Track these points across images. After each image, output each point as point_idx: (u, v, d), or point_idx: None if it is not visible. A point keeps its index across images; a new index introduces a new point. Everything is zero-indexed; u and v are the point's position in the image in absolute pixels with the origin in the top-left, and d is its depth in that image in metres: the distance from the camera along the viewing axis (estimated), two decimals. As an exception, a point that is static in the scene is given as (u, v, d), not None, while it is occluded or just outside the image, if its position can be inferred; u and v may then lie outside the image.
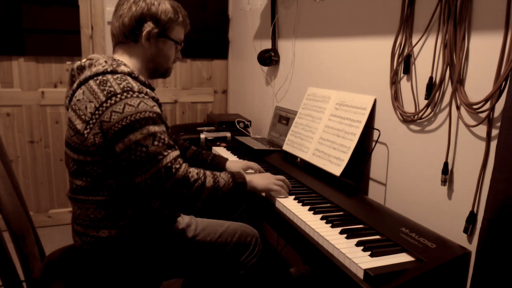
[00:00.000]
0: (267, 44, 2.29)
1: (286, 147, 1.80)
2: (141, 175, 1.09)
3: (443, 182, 1.19)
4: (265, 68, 2.38)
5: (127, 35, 1.22)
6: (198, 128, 2.40)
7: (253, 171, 1.53)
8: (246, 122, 2.44)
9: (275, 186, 1.33)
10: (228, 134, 2.28)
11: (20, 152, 2.66)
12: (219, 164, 1.57)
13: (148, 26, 1.21)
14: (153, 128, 1.09)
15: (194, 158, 1.58)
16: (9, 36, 2.47)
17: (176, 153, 1.13)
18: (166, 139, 1.12)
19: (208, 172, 1.20)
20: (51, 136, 2.71)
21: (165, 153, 1.10)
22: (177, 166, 1.12)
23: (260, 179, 1.33)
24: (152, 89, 1.23)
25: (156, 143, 1.09)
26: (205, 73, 2.98)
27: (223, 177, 1.22)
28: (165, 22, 1.23)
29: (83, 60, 1.21)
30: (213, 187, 1.18)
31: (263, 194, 1.37)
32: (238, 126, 2.41)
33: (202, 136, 2.24)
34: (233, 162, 1.57)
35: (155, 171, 1.08)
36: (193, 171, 1.16)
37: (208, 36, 2.90)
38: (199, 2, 2.84)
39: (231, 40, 2.96)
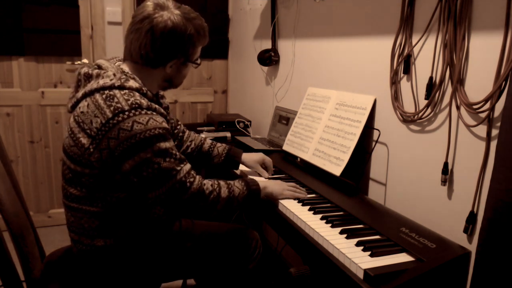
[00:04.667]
0: (267, 44, 2.29)
1: (286, 147, 1.80)
2: (155, 190, 1.07)
3: (443, 182, 1.19)
4: (265, 68, 2.38)
5: (149, 64, 1.16)
6: (198, 128, 2.40)
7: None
8: (246, 122, 2.44)
9: (288, 192, 1.34)
10: (228, 134, 2.28)
11: (20, 152, 2.66)
12: (234, 157, 1.56)
13: (175, 60, 1.18)
14: (164, 145, 1.06)
15: (210, 152, 1.57)
16: (9, 36, 2.47)
17: (188, 166, 1.12)
18: (178, 154, 1.10)
19: (222, 182, 1.19)
20: (51, 136, 2.71)
21: (178, 168, 1.08)
22: (191, 179, 1.11)
23: (275, 185, 1.33)
24: (160, 104, 1.21)
25: (168, 159, 1.07)
26: (205, 73, 2.98)
27: (237, 185, 1.21)
28: (191, 51, 1.20)
29: (91, 66, 1.16)
30: (228, 197, 1.17)
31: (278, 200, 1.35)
32: (238, 126, 2.41)
33: (202, 136, 2.24)
34: (249, 155, 1.57)
35: (169, 187, 1.07)
36: (207, 183, 1.15)
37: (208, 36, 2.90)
38: (199, 2, 2.84)
39: (231, 40, 2.96)
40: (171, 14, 1.13)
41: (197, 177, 1.13)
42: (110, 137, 1.03)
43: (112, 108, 1.04)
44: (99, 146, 1.05)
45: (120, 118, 1.03)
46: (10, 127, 2.61)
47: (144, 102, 1.08)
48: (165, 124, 1.09)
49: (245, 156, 1.56)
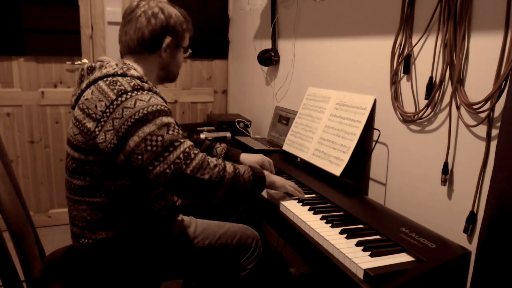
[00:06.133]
0: (267, 44, 2.29)
1: (286, 147, 1.80)
2: (159, 164, 1.06)
3: (443, 182, 1.19)
4: (265, 68, 2.38)
5: (146, 47, 1.23)
6: (198, 128, 2.41)
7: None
8: (246, 122, 2.44)
9: (290, 187, 1.34)
10: (228, 134, 2.28)
11: (20, 152, 2.66)
12: (232, 157, 1.55)
13: (168, 39, 1.24)
14: (166, 119, 1.10)
15: (208, 152, 1.57)
16: (9, 36, 2.47)
17: (191, 142, 1.13)
18: (180, 130, 1.13)
19: (226, 161, 1.19)
20: (51, 136, 2.71)
21: (182, 140, 1.10)
22: (195, 151, 1.11)
23: (277, 177, 1.33)
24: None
25: (171, 132, 1.09)
26: (205, 73, 2.99)
27: (242, 166, 1.21)
28: (181, 33, 1.28)
29: (94, 62, 1.21)
30: (234, 173, 1.15)
31: (274, 192, 1.35)
32: (238, 126, 2.41)
33: (202, 136, 2.24)
34: (248, 155, 1.56)
35: (174, 158, 1.06)
36: (212, 158, 1.15)
37: (208, 36, 2.90)
38: (199, 2, 2.84)
39: (231, 40, 2.96)
40: (158, 2, 1.25)
41: (201, 153, 1.13)
42: (115, 117, 1.07)
43: (115, 91, 1.09)
44: (104, 127, 1.08)
45: (123, 99, 1.08)
46: (10, 127, 2.61)
47: (146, 85, 1.14)
48: (166, 104, 1.14)
49: (244, 157, 1.55)
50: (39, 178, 2.74)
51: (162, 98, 1.18)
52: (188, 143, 1.11)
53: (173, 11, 1.25)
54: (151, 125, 1.07)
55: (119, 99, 1.08)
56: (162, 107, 1.11)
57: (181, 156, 1.08)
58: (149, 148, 1.06)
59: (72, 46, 2.61)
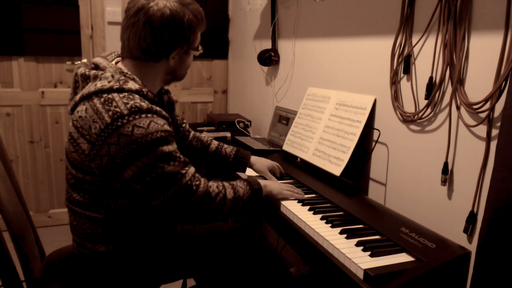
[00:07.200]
0: (267, 44, 2.29)
1: (286, 147, 1.80)
2: (160, 196, 1.03)
3: (443, 182, 1.19)
4: (265, 68, 2.38)
5: (152, 56, 1.11)
6: (198, 128, 2.41)
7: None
8: (246, 122, 2.44)
9: (287, 191, 1.33)
10: (228, 134, 2.28)
11: (20, 152, 2.66)
12: (244, 159, 1.52)
13: (178, 50, 1.14)
14: (167, 148, 1.02)
15: (217, 154, 1.53)
16: (9, 36, 2.47)
17: (193, 169, 1.09)
18: (182, 157, 1.07)
19: (226, 183, 1.18)
20: (51, 136, 2.71)
21: (183, 172, 1.05)
22: (197, 182, 1.08)
23: (274, 185, 1.32)
24: (162, 104, 1.17)
25: (172, 162, 1.03)
26: (205, 73, 2.98)
27: (240, 186, 1.20)
28: (193, 37, 1.15)
29: (88, 65, 1.13)
30: (234, 198, 1.15)
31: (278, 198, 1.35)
32: (238, 126, 2.41)
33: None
34: (259, 160, 1.53)
35: (175, 191, 1.04)
36: (213, 185, 1.13)
37: (208, 36, 2.90)
38: (199, 2, 2.83)
39: (231, 40, 2.96)
40: (166, 1, 1.08)
41: (202, 179, 1.11)
42: (110, 143, 0.99)
43: (110, 113, 1.00)
44: (99, 152, 1.01)
45: (119, 123, 0.99)
46: (10, 127, 2.61)
47: (144, 104, 1.03)
48: (167, 127, 1.05)
49: (255, 160, 1.52)
50: (39, 178, 2.74)
51: (163, 116, 1.08)
52: (190, 173, 1.07)
53: (186, 13, 1.10)
54: (151, 156, 1.00)
55: (115, 123, 0.98)
56: (163, 134, 1.02)
57: (183, 189, 1.04)
58: (148, 179, 1.01)
59: (72, 46, 2.61)
